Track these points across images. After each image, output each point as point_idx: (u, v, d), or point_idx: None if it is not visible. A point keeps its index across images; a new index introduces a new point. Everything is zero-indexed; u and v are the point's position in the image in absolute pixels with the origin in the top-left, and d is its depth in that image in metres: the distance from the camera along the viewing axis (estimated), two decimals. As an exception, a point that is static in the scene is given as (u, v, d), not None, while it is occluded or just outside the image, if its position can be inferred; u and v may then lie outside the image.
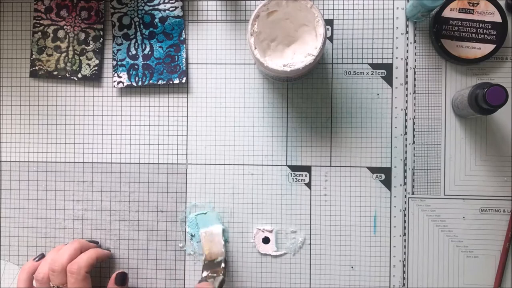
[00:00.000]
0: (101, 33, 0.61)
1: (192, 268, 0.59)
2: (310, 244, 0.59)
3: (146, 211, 0.60)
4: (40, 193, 0.61)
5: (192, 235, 0.59)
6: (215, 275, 0.53)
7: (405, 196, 0.58)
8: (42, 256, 0.57)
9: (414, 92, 0.58)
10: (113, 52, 0.60)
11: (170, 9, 0.60)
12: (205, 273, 0.54)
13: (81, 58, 0.61)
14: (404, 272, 0.58)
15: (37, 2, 0.61)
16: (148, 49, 0.60)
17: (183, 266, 0.60)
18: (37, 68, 0.61)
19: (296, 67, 0.50)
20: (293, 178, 0.59)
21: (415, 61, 0.58)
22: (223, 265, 0.55)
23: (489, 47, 0.56)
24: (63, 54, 0.61)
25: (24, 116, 0.62)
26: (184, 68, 0.59)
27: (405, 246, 0.58)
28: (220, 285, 0.52)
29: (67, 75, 0.61)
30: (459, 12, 0.56)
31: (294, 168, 0.59)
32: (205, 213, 0.59)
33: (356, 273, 0.58)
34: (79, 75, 0.61)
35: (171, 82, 0.59)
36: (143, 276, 0.60)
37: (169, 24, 0.60)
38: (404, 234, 0.58)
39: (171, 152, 0.60)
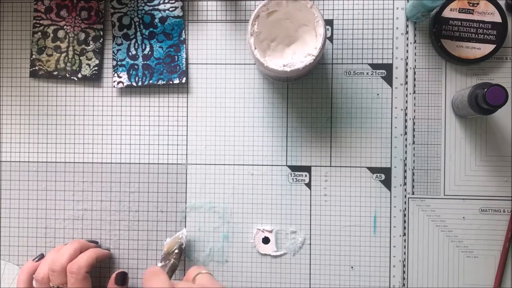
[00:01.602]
0: (101, 33, 0.61)
1: (192, 268, 0.59)
2: (310, 244, 0.59)
3: (146, 211, 0.60)
4: (40, 193, 0.61)
5: None
6: (167, 262, 0.54)
7: (405, 196, 0.58)
8: (41, 256, 0.57)
9: (414, 92, 0.58)
10: (113, 52, 0.60)
11: (170, 9, 0.60)
12: (160, 264, 0.54)
13: (81, 58, 0.61)
14: (404, 272, 0.58)
15: (37, 2, 0.61)
16: (148, 49, 0.60)
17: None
18: (37, 68, 0.61)
19: (296, 67, 0.50)
20: (293, 178, 0.59)
21: (415, 61, 0.58)
22: (176, 251, 0.55)
23: (489, 47, 0.56)
24: (63, 54, 0.61)
25: (24, 116, 0.62)
26: (184, 68, 0.59)
27: (405, 246, 0.58)
28: (171, 269, 0.53)
29: (67, 75, 0.61)
30: (459, 12, 0.56)
31: (294, 168, 0.59)
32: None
33: (356, 273, 0.58)
34: (79, 75, 0.61)
35: (171, 82, 0.59)
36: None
37: (169, 24, 0.60)
38: (404, 234, 0.58)
39: (171, 152, 0.60)
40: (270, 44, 0.54)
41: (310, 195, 0.59)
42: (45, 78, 0.61)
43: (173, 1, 0.60)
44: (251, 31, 0.51)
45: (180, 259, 0.56)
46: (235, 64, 0.60)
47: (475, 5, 0.56)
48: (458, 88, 0.58)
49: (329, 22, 0.59)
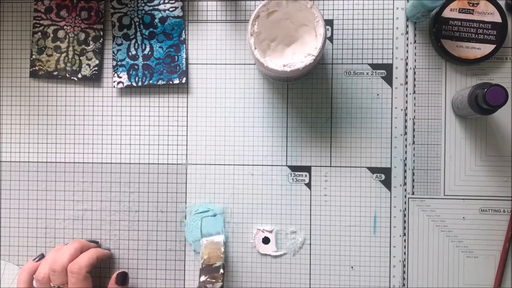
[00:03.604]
0: (101, 33, 0.61)
1: (192, 268, 0.59)
2: (310, 244, 0.59)
3: (146, 211, 0.60)
4: (40, 193, 0.61)
5: (192, 242, 0.59)
6: (214, 280, 0.53)
7: (405, 196, 0.58)
8: (42, 256, 0.57)
9: (414, 92, 0.58)
10: (113, 52, 0.60)
11: (170, 9, 0.60)
12: (203, 278, 0.53)
13: (81, 58, 0.61)
14: (404, 272, 0.58)
15: (37, 2, 0.61)
16: (148, 49, 0.60)
17: (183, 266, 0.60)
18: (37, 68, 0.61)
19: (296, 67, 0.50)
20: (293, 178, 0.59)
21: (415, 61, 0.58)
22: (221, 271, 0.54)
23: (489, 47, 0.56)
24: (63, 54, 0.61)
25: (24, 116, 0.62)
26: (184, 68, 0.59)
27: (405, 246, 0.58)
28: None
29: (67, 75, 0.61)
30: (459, 12, 0.56)
31: (294, 168, 0.59)
32: (214, 216, 0.59)
33: (356, 273, 0.58)
34: (79, 75, 0.61)
35: (171, 82, 0.59)
36: (143, 276, 0.60)
37: (169, 24, 0.60)
38: (404, 234, 0.58)
39: (171, 152, 0.60)
40: (270, 44, 0.54)
41: (310, 195, 0.59)
42: (45, 78, 0.61)
43: (173, 1, 0.60)
44: (251, 31, 0.51)
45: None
46: (235, 64, 0.60)
47: (475, 5, 0.56)
48: (458, 88, 0.58)
49: (329, 22, 0.59)
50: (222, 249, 0.56)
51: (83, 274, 0.53)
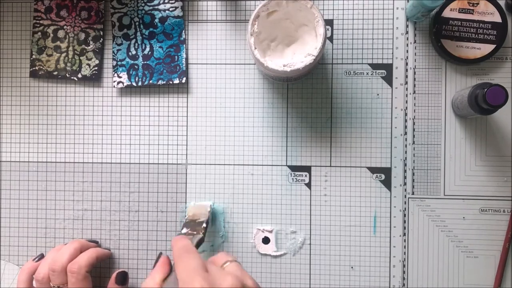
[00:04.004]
0: (101, 33, 0.61)
1: (192, 268, 0.59)
2: (310, 244, 0.59)
3: (146, 211, 0.60)
4: (40, 193, 0.61)
5: None
6: (194, 233, 0.52)
7: (405, 196, 0.58)
8: (41, 256, 0.57)
9: (414, 92, 0.58)
10: (113, 52, 0.60)
11: (170, 9, 0.60)
12: (184, 230, 0.52)
13: (81, 58, 0.61)
14: (404, 272, 0.58)
15: (37, 2, 0.61)
16: (148, 49, 0.60)
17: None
18: (37, 68, 0.61)
19: (296, 67, 0.50)
20: (293, 178, 0.59)
21: (415, 61, 0.58)
22: (204, 225, 0.53)
23: (489, 47, 0.56)
24: (63, 54, 0.61)
25: (24, 116, 0.62)
26: (184, 68, 0.59)
27: (405, 246, 0.58)
28: (198, 244, 0.50)
29: (67, 75, 0.61)
30: (459, 12, 0.56)
31: (294, 168, 0.59)
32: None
33: (356, 273, 0.58)
34: (79, 75, 0.61)
35: (171, 82, 0.59)
36: (143, 276, 0.60)
37: (169, 24, 0.60)
38: (404, 234, 0.58)
39: (171, 152, 0.60)
40: (270, 44, 0.54)
41: (310, 195, 0.59)
42: (45, 78, 0.61)
43: (173, 1, 0.60)
44: (251, 31, 0.51)
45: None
46: (235, 64, 0.60)
47: (475, 5, 0.56)
48: (458, 88, 0.58)
49: (329, 22, 0.59)
50: (208, 209, 0.56)
51: (83, 274, 0.53)
